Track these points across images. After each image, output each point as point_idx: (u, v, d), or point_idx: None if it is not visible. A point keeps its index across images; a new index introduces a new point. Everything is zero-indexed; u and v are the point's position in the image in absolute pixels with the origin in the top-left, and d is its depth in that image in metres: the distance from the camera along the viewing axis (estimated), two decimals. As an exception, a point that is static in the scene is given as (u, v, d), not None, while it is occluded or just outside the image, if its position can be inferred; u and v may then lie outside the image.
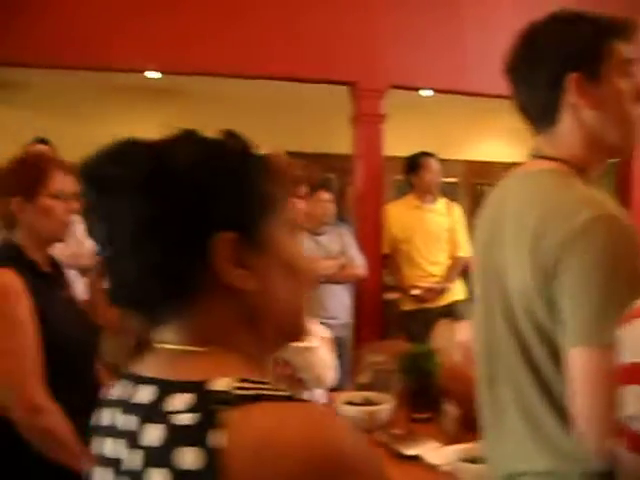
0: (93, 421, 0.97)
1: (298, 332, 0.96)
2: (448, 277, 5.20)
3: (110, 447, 0.89)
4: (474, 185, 7.91)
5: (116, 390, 0.93)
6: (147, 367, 0.89)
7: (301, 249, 0.95)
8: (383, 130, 5.28)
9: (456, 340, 3.25)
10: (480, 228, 1.61)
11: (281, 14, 5.03)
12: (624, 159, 5.94)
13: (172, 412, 0.78)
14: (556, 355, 1.34)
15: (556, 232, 1.30)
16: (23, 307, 2.03)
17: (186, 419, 0.77)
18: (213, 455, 0.74)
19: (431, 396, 2.76)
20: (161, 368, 0.86)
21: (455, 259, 5.24)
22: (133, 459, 0.81)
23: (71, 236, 4.55)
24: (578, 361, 1.28)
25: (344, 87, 5.28)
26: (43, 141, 4.44)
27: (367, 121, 5.23)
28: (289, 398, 0.79)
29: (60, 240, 2.30)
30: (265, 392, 0.79)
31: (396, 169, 5.50)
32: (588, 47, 1.44)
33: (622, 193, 6.07)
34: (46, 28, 4.58)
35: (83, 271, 4.27)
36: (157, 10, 4.78)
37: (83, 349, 2.19)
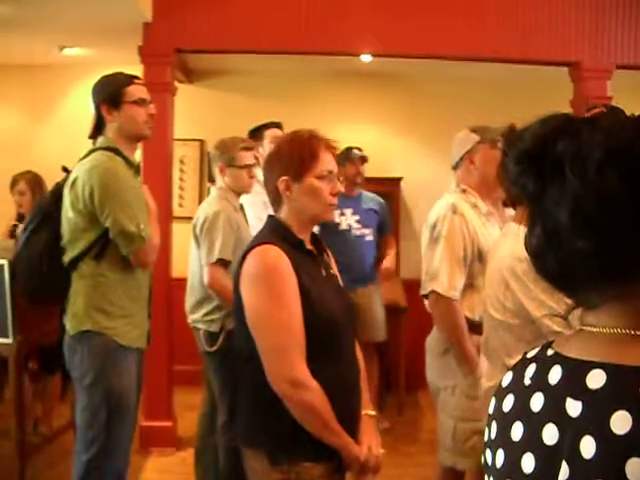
0: (491, 408, 0.97)
1: None
2: None
3: (530, 432, 0.88)
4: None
5: (519, 373, 0.93)
6: (582, 351, 0.86)
7: None
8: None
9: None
10: None
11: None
12: None
13: None
14: None
15: None
16: (291, 284, 2.07)
17: None
18: None
19: None
20: (606, 353, 0.83)
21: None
22: (587, 446, 0.78)
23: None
24: None
25: (565, 68, 5.10)
26: (277, 125, 4.56)
27: (590, 104, 5.01)
28: None
29: (325, 220, 2.35)
30: None
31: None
32: None
33: None
34: (263, 15, 4.78)
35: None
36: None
37: (343, 326, 2.22)
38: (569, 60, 5.04)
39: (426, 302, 3.10)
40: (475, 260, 2.99)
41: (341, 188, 2.26)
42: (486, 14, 4.89)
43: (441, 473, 3.19)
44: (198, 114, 6.34)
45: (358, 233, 5.23)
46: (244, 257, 2.15)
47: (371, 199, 5.41)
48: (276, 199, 2.24)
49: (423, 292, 3.07)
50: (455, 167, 3.22)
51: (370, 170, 5.55)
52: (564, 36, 4.97)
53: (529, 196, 0.87)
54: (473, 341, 2.92)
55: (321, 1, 4.82)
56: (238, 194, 3.87)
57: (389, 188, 6.26)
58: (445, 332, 3.01)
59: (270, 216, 2.28)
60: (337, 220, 5.18)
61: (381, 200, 5.48)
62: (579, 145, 0.82)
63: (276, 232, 2.20)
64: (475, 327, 2.89)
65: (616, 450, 0.75)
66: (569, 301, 0.91)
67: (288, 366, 2.05)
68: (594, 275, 0.84)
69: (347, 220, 5.22)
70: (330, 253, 2.45)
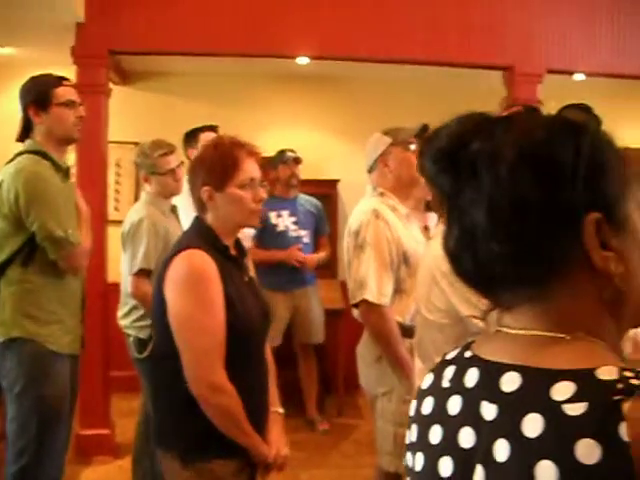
0: (412, 410, 0.96)
1: None
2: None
3: (447, 435, 0.87)
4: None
5: (438, 375, 0.93)
6: (499, 353, 0.86)
7: None
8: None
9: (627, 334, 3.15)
10: None
11: (434, 0, 5.00)
12: None
13: (560, 402, 0.75)
14: None
15: None
16: (216, 289, 2.09)
17: (578, 409, 0.73)
18: (619, 449, 0.69)
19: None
20: (522, 355, 0.83)
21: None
22: (501, 449, 0.78)
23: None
24: None
25: (498, 72, 5.19)
26: (212, 128, 4.53)
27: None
28: None
29: (249, 227, 2.36)
30: None
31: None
32: None
33: None
34: (194, 16, 4.72)
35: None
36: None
37: (259, 331, 2.28)
38: (503, 64, 5.13)
39: (355, 311, 3.06)
40: (401, 264, 2.98)
41: (264, 194, 2.29)
42: (422, 18, 4.94)
43: (380, 476, 3.20)
44: (134, 116, 6.25)
45: (295, 235, 5.24)
46: (169, 260, 2.14)
47: (307, 201, 5.43)
48: (200, 206, 2.25)
49: (353, 301, 3.03)
50: (370, 170, 3.21)
51: (307, 172, 5.56)
52: (498, 41, 5.06)
53: (446, 196, 0.87)
54: (406, 345, 2.92)
55: (258, 3, 4.80)
56: (168, 197, 3.84)
57: (326, 190, 6.28)
58: (379, 339, 2.99)
59: (197, 217, 2.28)
60: (274, 222, 5.18)
61: (317, 202, 5.50)
62: (493, 145, 0.82)
63: (202, 236, 2.21)
64: (407, 331, 2.90)
65: (527, 453, 0.75)
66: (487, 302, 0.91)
67: (209, 370, 2.08)
68: (509, 276, 0.84)
69: (284, 222, 5.23)
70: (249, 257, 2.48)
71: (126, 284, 3.74)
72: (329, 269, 6.00)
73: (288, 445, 2.39)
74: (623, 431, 0.70)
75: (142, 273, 3.59)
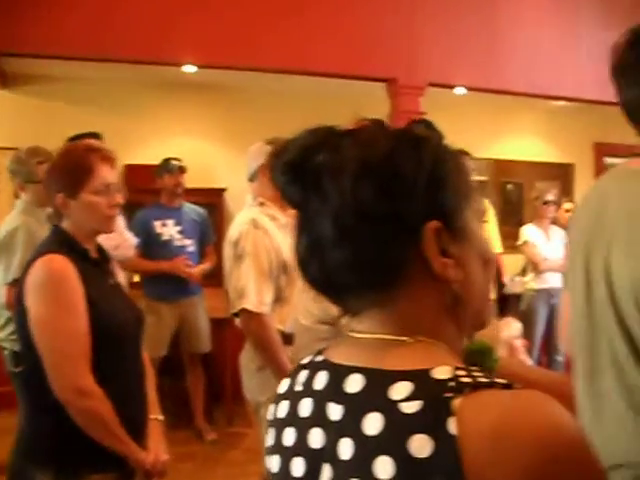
0: (270, 414, 0.98)
1: (485, 321, 0.96)
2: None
3: (299, 436, 0.90)
4: (502, 184, 7.93)
5: (293, 380, 0.95)
6: (346, 357, 0.90)
7: (487, 239, 0.96)
8: (421, 128, 5.30)
9: (501, 337, 3.27)
10: (578, 228, 1.64)
11: (321, 11, 5.07)
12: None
13: (396, 400, 0.78)
14: None
15: None
16: (77, 293, 2.06)
17: (413, 407, 0.77)
18: (448, 443, 0.74)
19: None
20: (366, 358, 0.86)
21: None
22: (345, 448, 0.82)
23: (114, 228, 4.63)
24: None
25: (382, 84, 5.32)
26: (95, 135, 4.43)
27: (406, 118, 5.25)
28: (507, 386, 0.79)
29: (105, 233, 2.32)
30: (484, 380, 0.79)
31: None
32: None
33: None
34: (82, 20, 4.64)
35: (121, 263, 4.32)
36: (195, 5, 4.83)
37: (129, 336, 2.25)
38: (386, 76, 5.27)
39: (237, 320, 3.06)
40: (281, 273, 2.99)
41: (120, 200, 2.26)
42: (308, 29, 5.02)
43: None
44: (15, 121, 6.06)
45: (180, 244, 5.19)
46: (28, 267, 2.10)
47: (193, 210, 5.39)
48: (57, 212, 2.22)
49: (233, 311, 3.03)
50: (251, 180, 3.22)
51: (194, 181, 5.52)
52: (382, 54, 5.19)
53: (295, 206, 0.90)
54: (288, 353, 2.94)
55: (146, 11, 4.74)
56: (44, 206, 3.73)
57: (213, 199, 6.26)
58: (260, 348, 2.99)
59: (54, 225, 2.25)
60: (159, 231, 5.12)
61: (202, 211, 5.47)
62: (337, 157, 0.85)
63: (60, 241, 2.18)
64: (287, 339, 2.92)
65: (368, 450, 0.79)
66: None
67: (73, 374, 2.03)
68: (354, 283, 0.87)
69: (169, 231, 5.17)
70: (115, 262, 2.45)
71: (1, 295, 3.61)
72: (215, 278, 5.94)
73: (175, 457, 2.35)
74: (452, 426, 0.74)
75: (17, 284, 3.47)
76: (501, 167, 7.88)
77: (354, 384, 0.85)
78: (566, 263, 1.68)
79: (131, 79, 6.11)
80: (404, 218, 0.84)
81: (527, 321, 5.41)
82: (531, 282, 5.98)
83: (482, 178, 7.44)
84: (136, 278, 5.44)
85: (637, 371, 1.43)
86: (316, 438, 0.87)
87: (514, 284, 6.57)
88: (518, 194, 7.91)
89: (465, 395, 0.76)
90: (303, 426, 0.90)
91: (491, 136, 7.73)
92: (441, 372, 0.80)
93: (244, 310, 2.94)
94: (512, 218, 7.44)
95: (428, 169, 0.86)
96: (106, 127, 4.63)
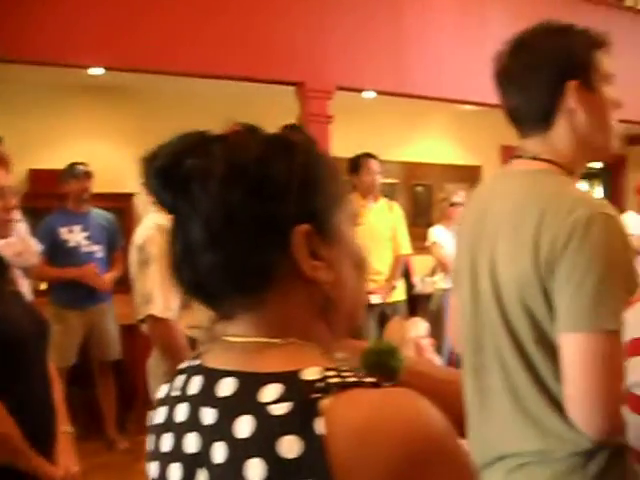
0: (150, 420, 0.98)
1: (358, 322, 0.99)
2: (394, 275, 5.34)
3: (175, 442, 0.90)
4: (412, 186, 8.07)
5: (171, 385, 0.95)
6: (220, 361, 0.90)
7: (360, 241, 0.97)
8: (331, 131, 5.36)
9: (408, 337, 3.33)
10: (465, 228, 1.69)
11: (231, 15, 5.06)
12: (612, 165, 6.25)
13: (266, 403, 0.79)
14: (545, 343, 1.44)
15: (556, 228, 1.40)
16: None
17: (282, 409, 0.78)
18: (316, 443, 0.75)
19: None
20: (238, 361, 0.87)
21: (398, 257, 5.38)
22: (218, 451, 0.82)
23: (15, 234, 4.55)
24: (576, 346, 1.37)
25: (291, 88, 5.35)
26: (-7, 137, 4.30)
27: (315, 122, 5.31)
28: (376, 384, 0.81)
29: (2, 238, 2.27)
30: (353, 379, 0.80)
31: (341, 170, 5.54)
32: (583, 57, 1.55)
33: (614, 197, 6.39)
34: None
35: (26, 271, 4.22)
36: (101, 6, 4.75)
37: (31, 344, 2.16)
38: (294, 80, 5.30)
39: (143, 326, 3.03)
40: None
41: (16, 203, 2.20)
42: (218, 33, 4.99)
43: None
44: None
45: (87, 250, 5.09)
46: None
47: (100, 215, 5.30)
48: None
49: (139, 317, 3.00)
50: None
51: (102, 186, 5.42)
52: (290, 57, 5.22)
53: (168, 211, 0.90)
54: None
55: (49, 10, 4.61)
56: None
57: (121, 204, 6.15)
58: (167, 354, 2.96)
59: None
60: (65, 237, 5.02)
61: (110, 216, 5.39)
62: (206, 162, 0.85)
63: None
64: (194, 344, 2.90)
65: (239, 453, 0.79)
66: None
67: None
68: (225, 287, 0.88)
69: (76, 237, 5.07)
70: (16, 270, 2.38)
71: None
72: (124, 284, 5.84)
73: (87, 469, 2.29)
74: (319, 426, 0.76)
75: None
76: (411, 169, 8.03)
77: (226, 388, 0.85)
78: (454, 261, 1.74)
79: (35, 81, 5.93)
80: (274, 221, 0.85)
81: (437, 321, 5.52)
82: (440, 282, 6.10)
83: (392, 180, 7.55)
84: (43, 286, 5.30)
85: (520, 369, 1.49)
86: (191, 443, 0.87)
87: (424, 284, 6.70)
88: (427, 196, 8.07)
89: (333, 395, 0.78)
90: (179, 431, 0.90)
91: (401, 139, 7.86)
92: (310, 373, 0.81)
93: (150, 316, 2.91)
94: (422, 219, 7.57)
95: (299, 173, 0.87)
96: (7, 130, 4.48)
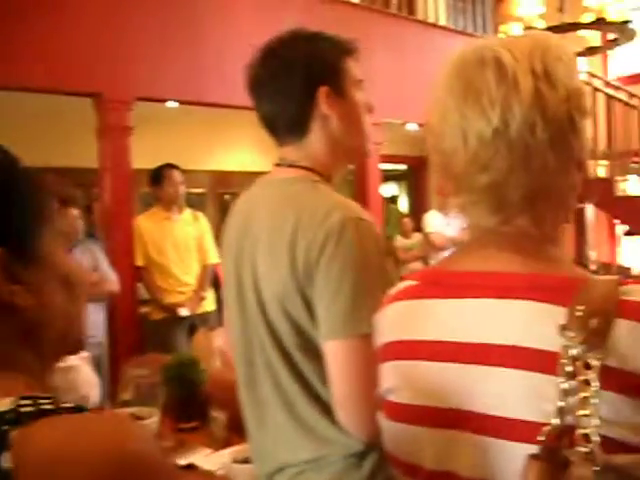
0: None
1: (77, 345, 0.94)
2: (202, 285, 5.31)
3: None
4: (220, 195, 8.09)
5: None
6: None
7: (75, 261, 0.94)
8: (131, 143, 5.26)
9: (214, 347, 3.33)
10: (229, 237, 1.68)
11: (25, 27, 4.82)
12: (360, 166, 6.47)
13: None
14: (312, 350, 1.47)
15: (312, 235, 1.42)
16: None
17: None
18: (4, 477, 0.70)
19: (197, 404, 2.75)
20: None
21: (205, 267, 5.36)
22: None
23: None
24: (338, 352, 1.40)
25: (88, 99, 5.19)
26: None
27: (114, 133, 5.18)
28: (76, 410, 0.78)
29: None
30: (49, 407, 0.76)
31: (143, 182, 5.46)
32: (332, 63, 1.58)
33: (360, 197, 6.59)
34: None
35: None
36: None
37: None
38: (91, 91, 5.14)
39: None
40: None
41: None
42: (14, 43, 4.74)
43: None
44: None
45: None
46: None
47: None
48: None
49: None
50: None
51: None
52: (86, 68, 5.05)
53: None
54: None
55: None
56: None
57: None
58: None
59: None
60: None
61: None
62: None
63: None
64: None
65: None
66: None
67: None
68: None
69: None
70: None
71: None
72: None
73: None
74: (5, 459, 0.71)
75: None
76: (218, 178, 8.04)
77: None
78: (224, 275, 1.71)
79: None
80: None
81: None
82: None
83: (200, 190, 7.53)
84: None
85: (291, 380, 1.51)
86: None
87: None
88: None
89: (23, 425, 0.73)
90: None
91: (208, 148, 7.85)
92: (2, 404, 0.76)
93: None
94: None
95: None
96: None
